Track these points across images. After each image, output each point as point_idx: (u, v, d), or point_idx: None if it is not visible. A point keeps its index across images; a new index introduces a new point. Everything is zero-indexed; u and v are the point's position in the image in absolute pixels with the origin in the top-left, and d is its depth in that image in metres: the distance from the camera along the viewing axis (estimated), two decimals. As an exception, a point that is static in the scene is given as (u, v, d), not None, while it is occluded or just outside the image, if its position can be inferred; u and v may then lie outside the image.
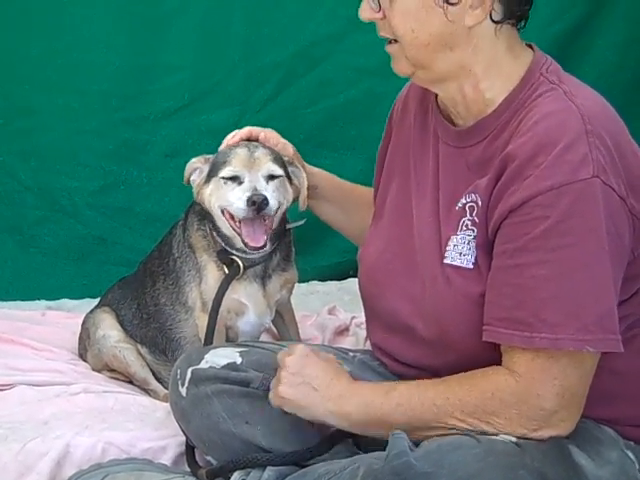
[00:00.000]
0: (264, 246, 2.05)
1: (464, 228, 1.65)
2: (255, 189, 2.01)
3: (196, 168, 2.14)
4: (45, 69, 2.88)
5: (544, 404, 1.54)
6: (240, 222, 2.05)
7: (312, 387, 1.67)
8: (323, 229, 2.94)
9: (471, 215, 1.64)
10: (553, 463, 1.53)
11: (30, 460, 1.88)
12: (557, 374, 1.53)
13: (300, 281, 2.72)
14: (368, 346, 2.39)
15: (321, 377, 1.68)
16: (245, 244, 2.05)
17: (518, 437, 1.55)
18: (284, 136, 2.98)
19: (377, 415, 1.63)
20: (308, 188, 2.10)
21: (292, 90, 3.00)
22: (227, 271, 2.11)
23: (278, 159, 2.07)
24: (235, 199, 2.02)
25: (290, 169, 2.11)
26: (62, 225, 2.99)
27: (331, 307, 2.70)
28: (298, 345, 1.75)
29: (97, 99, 2.92)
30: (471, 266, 1.63)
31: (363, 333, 2.51)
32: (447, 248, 1.66)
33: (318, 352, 1.74)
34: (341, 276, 3.04)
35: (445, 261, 1.66)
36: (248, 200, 1.99)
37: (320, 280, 3.03)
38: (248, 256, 2.12)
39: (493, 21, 1.61)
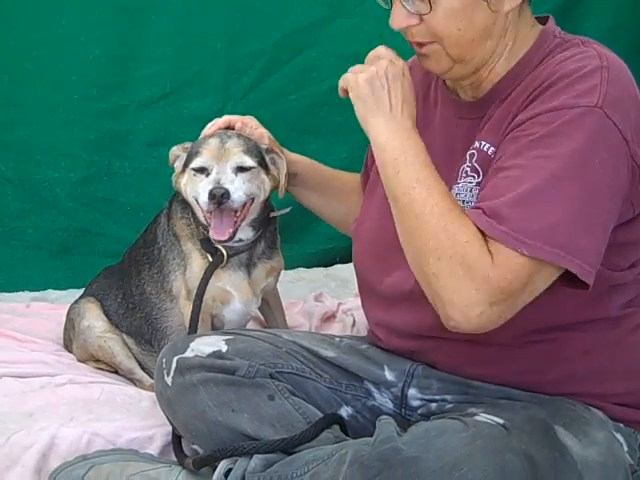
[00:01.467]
0: (230, 239, 2.04)
1: (463, 175, 1.67)
2: (218, 182, 1.99)
3: (178, 155, 2.13)
4: (24, 60, 2.84)
5: (492, 275, 1.49)
6: (210, 213, 2.04)
7: (387, 98, 1.62)
8: (308, 216, 2.91)
9: (470, 162, 1.66)
10: (539, 444, 1.53)
11: (15, 452, 1.86)
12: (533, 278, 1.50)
13: (286, 268, 2.70)
14: (355, 332, 2.40)
15: (399, 102, 1.62)
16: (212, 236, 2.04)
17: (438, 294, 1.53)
18: (268, 123, 2.97)
19: (400, 166, 1.58)
20: (287, 176, 2.09)
21: (275, 77, 2.98)
22: (211, 259, 2.10)
23: (251, 149, 2.06)
24: (201, 191, 2.02)
25: (269, 157, 2.09)
26: (44, 217, 2.95)
27: (318, 294, 2.69)
28: (401, 60, 1.67)
29: (77, 89, 2.88)
30: None
31: (350, 319, 2.51)
32: None
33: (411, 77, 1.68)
34: (327, 263, 3.04)
35: None
36: (209, 193, 1.98)
37: (306, 267, 3.01)
38: (231, 244, 2.11)
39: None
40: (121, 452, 1.86)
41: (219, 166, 2.02)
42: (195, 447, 1.84)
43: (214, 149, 2.03)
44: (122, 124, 2.94)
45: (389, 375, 1.83)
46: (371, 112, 1.63)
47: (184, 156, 2.10)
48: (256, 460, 1.70)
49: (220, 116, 2.93)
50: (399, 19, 1.63)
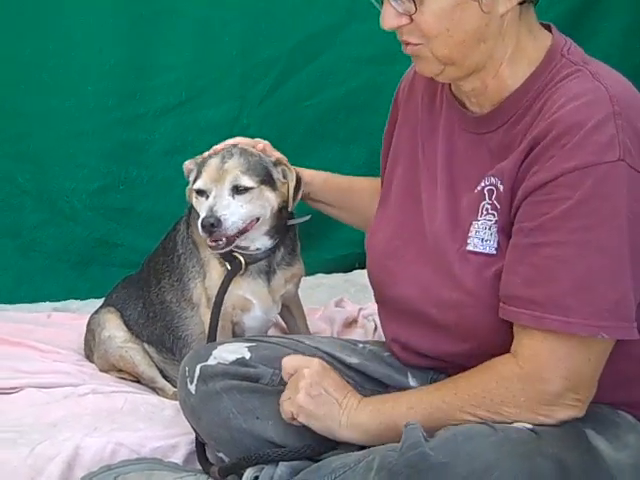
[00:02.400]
0: (223, 249, 2.01)
1: (484, 213, 1.63)
2: (211, 209, 1.97)
3: (191, 169, 2.11)
4: (39, 71, 2.84)
5: (549, 388, 1.51)
6: None
7: (330, 398, 1.67)
8: (327, 222, 2.92)
9: (490, 199, 1.62)
10: (570, 448, 1.51)
11: (40, 463, 1.85)
12: (563, 356, 1.51)
13: (306, 274, 2.70)
14: (377, 337, 2.38)
15: (339, 390, 1.68)
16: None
17: (531, 423, 1.52)
18: (285, 130, 2.98)
19: (389, 421, 1.61)
20: (297, 190, 2.05)
21: (292, 83, 2.97)
22: (229, 267, 2.09)
23: (253, 167, 2.02)
24: (200, 216, 1.99)
25: (277, 169, 2.06)
26: (62, 228, 2.95)
27: (338, 299, 2.67)
28: (314, 359, 1.73)
29: (93, 99, 2.89)
30: (494, 251, 1.60)
31: (371, 325, 2.49)
32: (469, 234, 1.63)
33: (332, 369, 1.74)
34: (347, 269, 3.03)
35: (468, 248, 1.63)
36: (201, 222, 1.96)
37: (325, 273, 3.00)
38: (250, 252, 2.09)
39: (519, 3, 1.57)
40: (145, 461, 1.85)
41: (217, 189, 2.00)
42: (220, 455, 1.82)
43: (214, 170, 2.01)
44: (138, 133, 2.94)
45: (412, 382, 1.81)
46: (330, 420, 1.65)
47: (195, 170, 2.08)
48: (282, 467, 1.69)
49: (237, 123, 2.96)
50: (389, 19, 1.58)
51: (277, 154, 2.09)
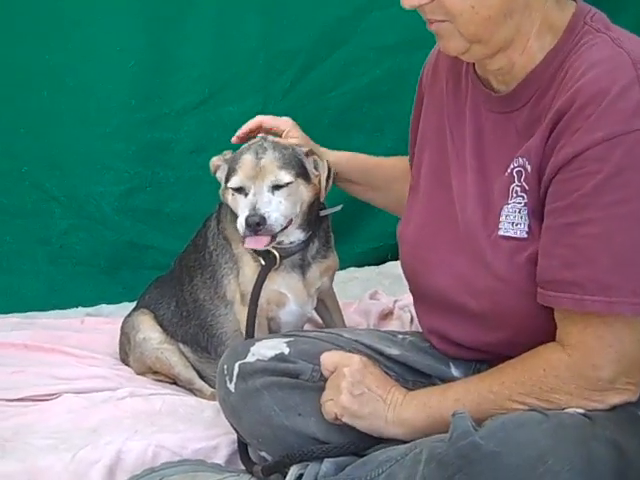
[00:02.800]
0: (267, 245, 1.99)
1: (514, 195, 1.58)
2: (254, 206, 1.94)
3: (219, 165, 2.08)
4: (61, 74, 2.81)
5: (601, 374, 1.47)
6: None
7: (374, 396, 1.64)
8: (357, 215, 2.89)
9: (519, 181, 1.57)
10: (625, 432, 1.47)
11: (82, 469, 1.84)
12: (611, 341, 1.46)
13: (338, 269, 2.66)
14: (414, 328, 2.34)
15: (382, 387, 1.65)
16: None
17: (585, 410, 1.48)
18: (309, 121, 2.91)
19: (436, 415, 1.58)
20: (329, 179, 2.03)
21: (314, 75, 2.93)
22: (263, 262, 2.05)
23: (288, 161, 1.99)
24: (240, 213, 1.97)
25: (311, 159, 2.03)
26: (91, 233, 2.93)
27: (372, 292, 2.64)
28: (354, 356, 1.69)
29: (116, 100, 2.86)
30: (525, 235, 1.56)
31: (408, 316, 2.46)
32: (500, 219, 1.59)
33: (373, 363, 1.71)
34: (379, 261, 2.99)
35: (499, 233, 1.58)
36: (245, 220, 1.93)
37: (357, 266, 2.97)
38: (283, 246, 2.06)
39: None
40: (188, 463, 1.83)
41: (255, 186, 1.97)
42: (263, 454, 1.80)
43: (249, 167, 1.97)
44: (163, 133, 2.91)
45: (455, 371, 1.78)
46: (375, 418, 1.63)
47: (225, 167, 2.05)
48: (327, 464, 1.66)
49: (261, 117, 2.92)
50: None
51: (298, 139, 2.05)
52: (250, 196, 1.97)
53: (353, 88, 2.96)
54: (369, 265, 2.99)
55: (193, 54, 2.87)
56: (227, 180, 2.03)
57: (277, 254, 2.05)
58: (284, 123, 2.08)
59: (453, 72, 1.75)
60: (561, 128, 1.48)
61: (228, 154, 2.07)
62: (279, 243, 2.05)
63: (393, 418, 1.62)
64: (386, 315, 2.51)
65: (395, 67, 2.95)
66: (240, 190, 1.99)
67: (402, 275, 2.75)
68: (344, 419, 1.65)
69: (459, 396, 1.57)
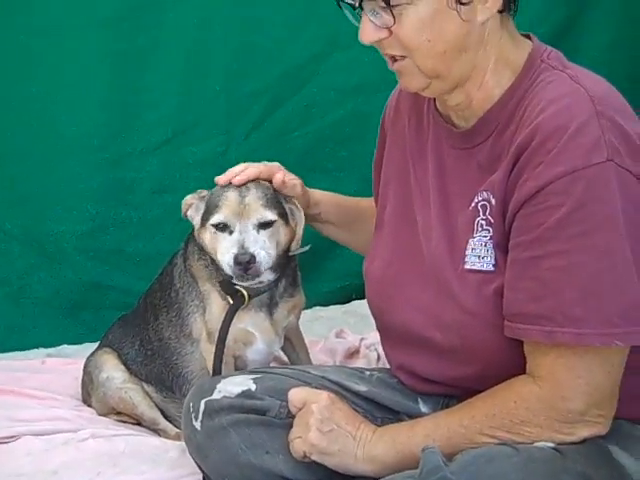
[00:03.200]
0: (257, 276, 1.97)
1: (479, 229, 1.59)
2: (242, 245, 1.92)
3: (191, 204, 2.06)
4: (24, 113, 2.80)
5: (571, 406, 1.47)
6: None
7: (343, 432, 1.62)
8: (323, 254, 2.89)
9: (484, 214, 1.58)
10: (596, 465, 1.47)
11: (42, 512, 1.80)
12: (581, 372, 1.47)
13: (305, 309, 2.65)
14: (381, 365, 2.33)
15: (350, 423, 1.63)
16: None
17: (555, 443, 1.48)
18: (273, 162, 2.94)
19: (406, 451, 1.57)
20: (308, 216, 2.02)
21: (278, 115, 2.95)
22: (231, 301, 2.04)
23: (271, 202, 1.98)
24: (225, 252, 1.95)
25: (288, 207, 2.02)
26: (52, 273, 2.89)
27: (338, 330, 2.63)
28: (322, 392, 1.68)
29: (79, 140, 2.84)
30: (492, 268, 1.56)
31: (374, 355, 2.45)
32: (466, 252, 1.60)
33: (341, 399, 1.69)
34: (345, 300, 2.98)
35: (465, 266, 1.59)
36: (235, 259, 1.92)
37: (323, 306, 2.96)
38: (252, 286, 2.05)
39: (499, 11, 1.56)
40: (152, 504, 1.79)
41: (241, 224, 1.95)
42: (229, 493, 1.77)
43: (234, 204, 1.95)
44: (126, 172, 2.90)
45: (423, 407, 1.77)
46: (344, 455, 1.61)
47: (201, 206, 2.03)
48: (295, 502, 1.64)
49: (224, 158, 2.93)
50: (368, 33, 1.56)
51: (296, 182, 2.03)
52: (236, 234, 1.94)
53: (316, 129, 2.98)
54: (335, 304, 2.99)
55: (157, 94, 2.88)
56: (205, 218, 2.00)
57: (245, 293, 2.04)
58: (277, 169, 2.04)
59: (415, 110, 1.78)
60: (523, 163, 1.51)
61: (203, 192, 2.04)
62: (248, 282, 2.04)
63: (363, 455, 1.60)
64: (352, 354, 2.50)
65: (357, 108, 2.98)
66: (223, 228, 1.97)
67: (368, 314, 2.74)
68: (313, 457, 1.63)
69: (428, 431, 1.56)
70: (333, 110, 3.00)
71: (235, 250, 1.92)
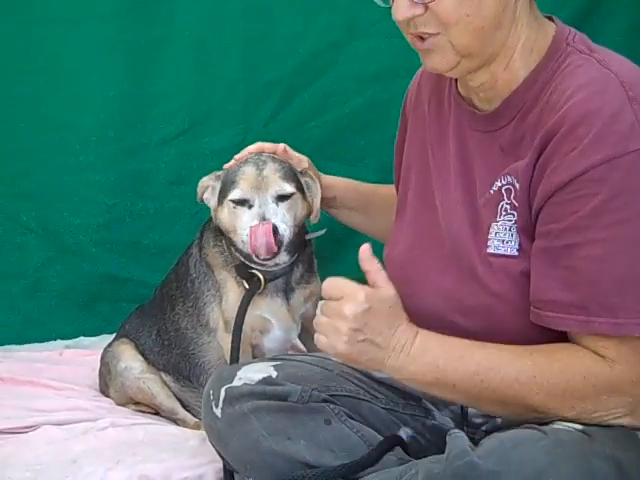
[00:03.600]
0: (277, 253, 1.95)
1: (503, 213, 1.56)
2: (263, 217, 1.91)
3: (207, 186, 2.05)
4: (38, 106, 2.78)
5: (637, 391, 1.45)
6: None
7: (375, 344, 1.49)
8: (340, 242, 2.86)
9: (509, 199, 1.56)
10: (625, 448, 1.44)
11: (63, 501, 1.78)
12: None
13: (321, 297, 2.61)
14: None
15: (385, 332, 1.49)
16: (257, 256, 1.94)
17: (593, 425, 1.45)
18: (292, 151, 2.90)
19: (447, 380, 1.50)
20: (323, 200, 2.02)
21: (295, 104, 2.91)
22: (247, 286, 2.02)
23: (289, 174, 1.98)
24: (244, 227, 1.93)
25: (304, 180, 2.01)
26: (68, 266, 2.87)
27: (357, 319, 2.59)
28: (360, 291, 1.51)
29: (94, 131, 2.81)
30: (516, 253, 1.54)
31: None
32: (489, 237, 1.57)
33: (379, 298, 1.51)
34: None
35: (488, 250, 1.56)
36: (265, 235, 1.91)
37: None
38: (268, 269, 2.02)
39: None
40: (173, 491, 1.77)
41: (260, 197, 1.94)
42: (250, 481, 1.75)
43: (252, 178, 1.94)
44: (142, 164, 2.86)
45: None
46: (374, 364, 1.52)
47: (217, 186, 2.02)
48: (318, 489, 1.61)
49: (242, 148, 2.90)
50: (403, 9, 1.51)
51: (297, 156, 2.04)
52: (256, 207, 1.93)
53: (334, 118, 2.94)
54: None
55: (173, 84, 2.84)
56: (223, 195, 1.98)
57: (262, 277, 2.01)
58: (282, 148, 2.07)
59: (436, 94, 1.75)
60: (552, 149, 1.48)
61: (218, 173, 2.03)
62: (263, 266, 2.01)
63: (395, 365, 1.50)
64: (370, 343, 2.47)
65: (376, 97, 2.94)
66: (243, 202, 1.95)
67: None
68: (336, 359, 1.59)
69: (480, 370, 1.47)
70: (351, 99, 2.96)
71: (257, 222, 1.90)
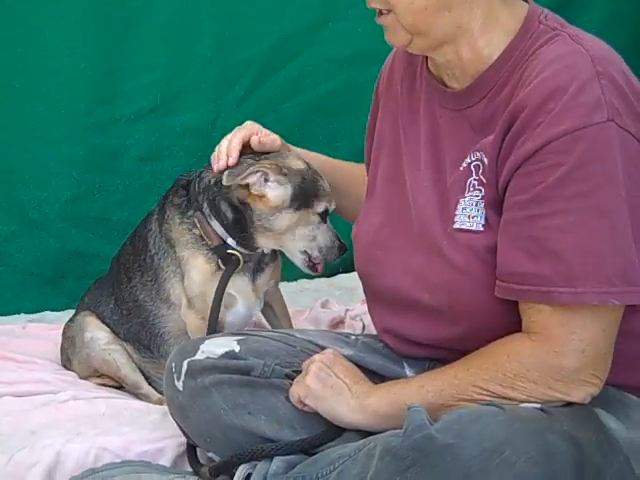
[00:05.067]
0: None
1: (471, 189, 1.57)
2: (335, 232, 2.04)
3: (262, 172, 1.96)
4: (7, 77, 2.74)
5: (564, 362, 1.46)
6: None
7: (340, 381, 1.62)
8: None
9: (477, 175, 1.56)
10: (582, 426, 1.45)
11: (19, 471, 1.76)
12: (575, 328, 1.45)
13: (289, 280, 2.61)
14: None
15: (350, 376, 1.64)
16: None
17: (547, 402, 1.47)
18: (264, 132, 2.88)
19: (399, 401, 1.55)
20: None
21: (269, 85, 2.91)
22: (221, 265, 2.03)
23: None
24: (321, 239, 2.03)
25: None
26: (34, 240, 2.84)
27: (324, 300, 2.61)
28: (328, 349, 1.71)
29: (65, 104, 2.78)
30: (481, 228, 1.55)
31: (359, 325, 2.43)
32: (456, 212, 1.58)
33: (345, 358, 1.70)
34: (330, 273, 2.94)
35: (455, 226, 1.57)
36: (339, 248, 2.03)
37: (308, 278, 2.93)
38: (250, 252, 2.05)
39: None
40: (132, 464, 1.76)
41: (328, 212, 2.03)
42: (211, 455, 1.75)
43: (329, 191, 2.01)
44: (112, 139, 2.84)
45: (409, 371, 1.74)
46: (334, 402, 1.61)
47: (287, 186, 1.97)
48: (277, 462, 1.61)
49: (213, 127, 2.89)
50: None
51: (274, 136, 2.01)
52: (329, 224, 2.03)
53: (307, 100, 2.94)
54: (321, 277, 2.96)
55: (146, 60, 2.83)
56: (302, 203, 1.99)
57: (240, 257, 2.02)
58: (255, 127, 2.01)
59: (408, 74, 1.75)
60: (522, 123, 1.48)
61: (286, 171, 1.97)
62: (247, 248, 2.04)
63: (356, 404, 1.60)
64: (337, 324, 2.48)
65: (350, 80, 2.94)
66: (322, 215, 2.01)
67: (353, 287, 2.74)
68: (307, 401, 1.63)
69: (423, 383, 1.56)
70: (326, 81, 2.96)
71: (336, 241, 2.03)
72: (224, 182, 1.96)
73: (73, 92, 2.79)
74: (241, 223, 2.03)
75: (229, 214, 2.03)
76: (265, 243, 2.05)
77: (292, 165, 1.98)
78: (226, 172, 1.96)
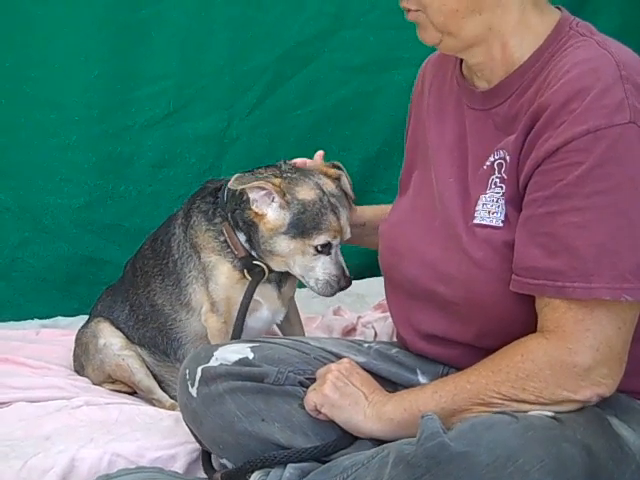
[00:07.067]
0: None
1: (492, 186, 1.60)
2: (342, 267, 2.01)
3: (264, 189, 1.98)
4: (21, 83, 2.75)
5: (577, 359, 1.46)
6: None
7: (356, 390, 1.64)
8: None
9: (499, 172, 1.59)
10: (596, 434, 1.45)
11: (33, 477, 1.77)
12: (590, 325, 1.46)
13: (301, 287, 2.62)
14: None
15: (366, 386, 1.66)
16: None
17: (555, 402, 1.47)
18: (275, 140, 2.91)
19: (413, 408, 1.56)
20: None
21: (281, 92, 2.91)
22: (247, 275, 2.06)
23: None
24: (319, 271, 2.01)
25: None
26: (46, 246, 2.85)
27: (336, 308, 2.61)
28: (343, 357, 1.73)
29: (77, 111, 2.79)
30: (501, 224, 1.57)
31: (371, 332, 2.43)
32: (476, 208, 1.60)
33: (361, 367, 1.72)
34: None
35: (475, 221, 1.60)
36: (338, 284, 2.02)
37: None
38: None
39: None
40: (145, 470, 1.77)
41: (334, 245, 2.01)
42: (224, 461, 1.75)
43: (336, 226, 1.99)
44: (125, 146, 2.85)
45: (422, 379, 1.75)
46: (351, 410, 1.63)
47: (285, 211, 1.98)
48: (290, 470, 1.62)
49: (226, 134, 2.90)
50: None
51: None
52: (334, 255, 2.01)
53: (319, 107, 2.95)
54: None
55: (159, 67, 2.83)
56: (300, 232, 1.98)
57: (266, 268, 2.05)
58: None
59: (438, 74, 1.79)
60: (544, 122, 1.51)
61: (288, 198, 1.98)
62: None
63: (372, 413, 1.61)
64: (349, 331, 2.48)
65: (361, 88, 2.94)
66: (323, 248, 2.00)
67: (365, 294, 2.75)
68: (323, 409, 1.64)
69: (437, 389, 1.57)
70: (337, 89, 2.96)
71: (339, 274, 2.01)
72: (229, 184, 1.99)
73: (86, 99, 2.80)
74: (252, 242, 2.05)
75: (245, 230, 2.05)
76: (273, 264, 2.06)
77: (299, 193, 1.99)
78: (235, 176, 1.98)
